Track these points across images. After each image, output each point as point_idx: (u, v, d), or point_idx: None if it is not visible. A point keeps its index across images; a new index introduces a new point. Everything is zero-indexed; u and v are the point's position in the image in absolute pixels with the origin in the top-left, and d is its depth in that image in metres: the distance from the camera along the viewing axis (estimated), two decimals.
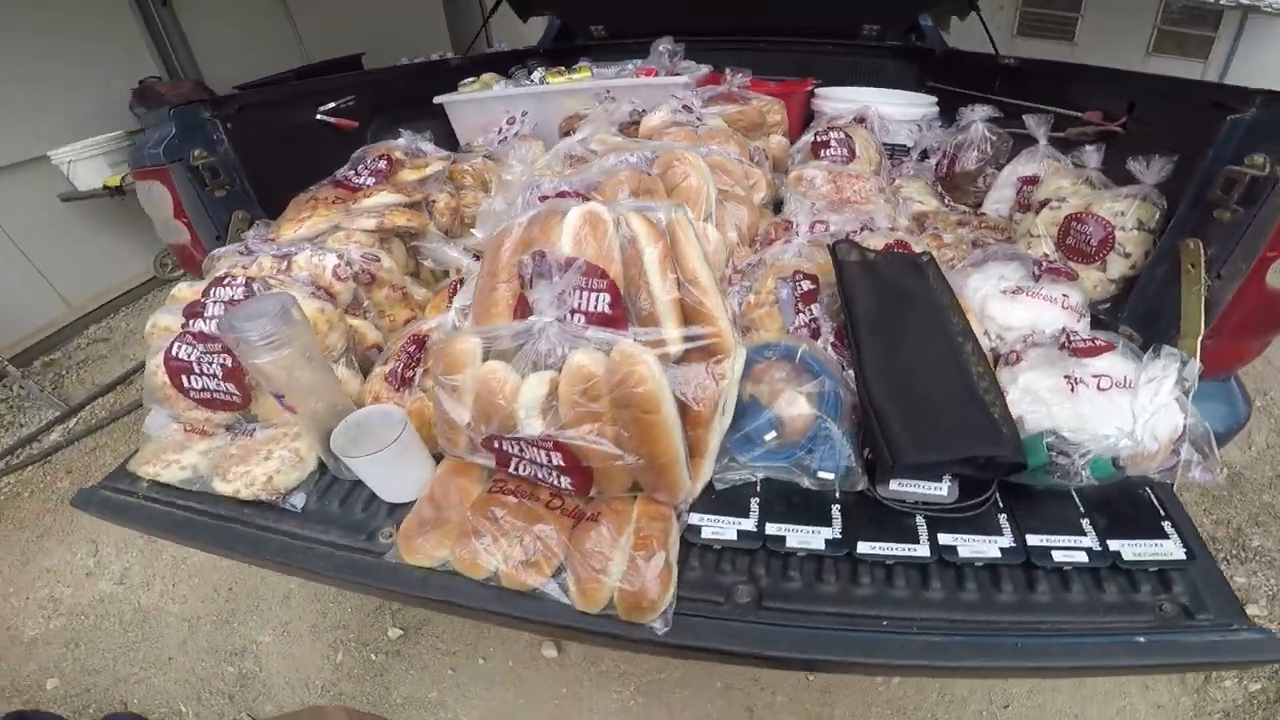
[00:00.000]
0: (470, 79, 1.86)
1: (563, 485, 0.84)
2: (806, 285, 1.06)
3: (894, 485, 0.86)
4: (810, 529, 0.83)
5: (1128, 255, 1.06)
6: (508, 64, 2.07)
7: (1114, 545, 0.79)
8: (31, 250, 3.04)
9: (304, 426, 0.97)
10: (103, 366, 2.93)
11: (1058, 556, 0.78)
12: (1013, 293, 1.03)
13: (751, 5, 2.26)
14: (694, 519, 0.86)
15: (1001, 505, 0.85)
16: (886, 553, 0.80)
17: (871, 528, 0.83)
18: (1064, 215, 1.12)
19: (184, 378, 1.03)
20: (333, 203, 1.28)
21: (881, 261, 1.05)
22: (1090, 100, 1.35)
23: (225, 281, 1.07)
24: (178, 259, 1.39)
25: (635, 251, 0.83)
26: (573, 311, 0.82)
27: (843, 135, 1.46)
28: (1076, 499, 0.85)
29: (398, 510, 0.96)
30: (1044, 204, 1.21)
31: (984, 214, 1.37)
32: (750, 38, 2.30)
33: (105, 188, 2.97)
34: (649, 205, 0.87)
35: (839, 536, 0.82)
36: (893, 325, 0.95)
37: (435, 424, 0.94)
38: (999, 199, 1.40)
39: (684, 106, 1.45)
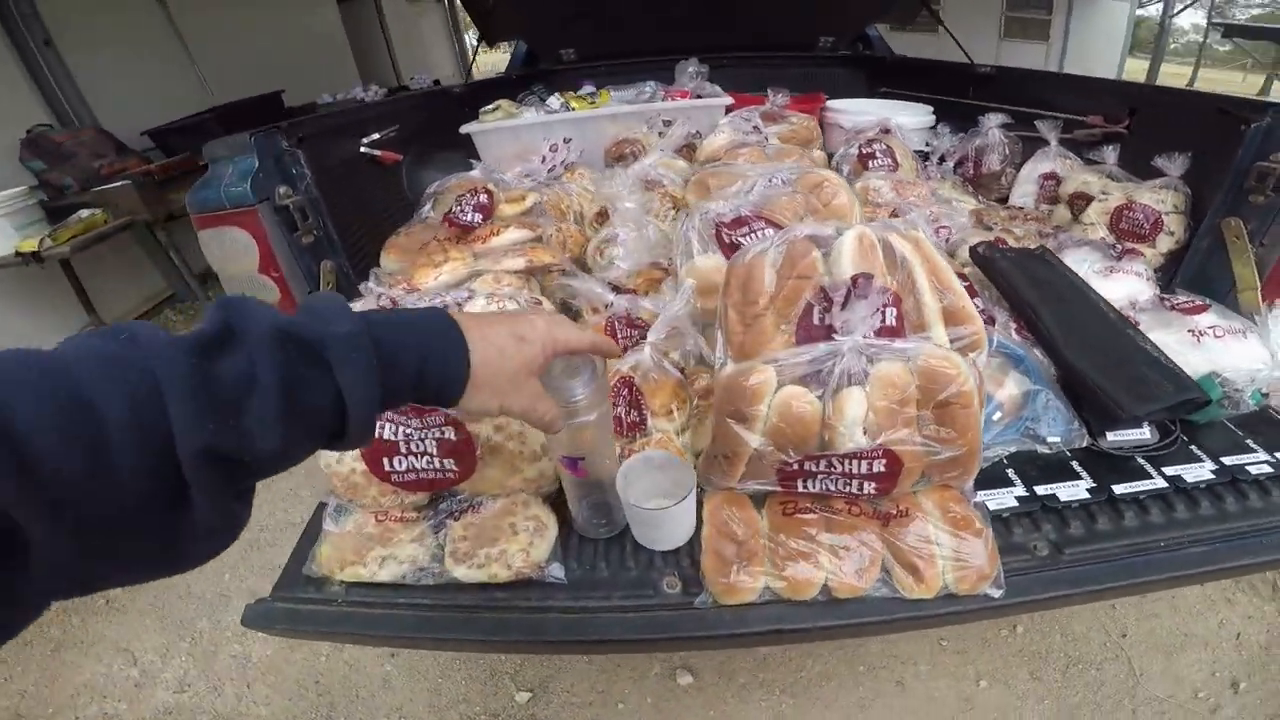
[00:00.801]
0: (489, 107, 1.77)
1: (864, 491, 0.89)
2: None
3: (1111, 436, 1.01)
4: (1069, 484, 0.96)
5: (1172, 233, 1.32)
6: (506, 91, 2.01)
7: None
8: None
9: (575, 490, 0.91)
10: None
11: (1253, 470, 0.96)
12: (1108, 272, 1.25)
13: (716, 23, 2.38)
14: (978, 496, 0.94)
15: (1186, 439, 1.03)
16: (1135, 489, 0.94)
17: (1111, 474, 0.97)
18: (1113, 206, 1.37)
19: (387, 461, 0.91)
20: (457, 243, 1.20)
21: (1014, 255, 1.21)
22: (1075, 105, 1.64)
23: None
24: None
25: (904, 267, 0.90)
26: None
27: (885, 146, 1.62)
28: (1231, 426, 1.05)
29: (668, 559, 0.94)
30: (1078, 196, 1.46)
31: (1022, 208, 1.61)
32: (714, 54, 2.40)
33: (17, 254, 2.46)
34: (892, 224, 0.94)
35: (1095, 485, 0.95)
36: (1056, 304, 1.11)
37: (708, 460, 0.94)
38: (1023, 194, 1.65)
39: (753, 127, 1.53)
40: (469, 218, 1.27)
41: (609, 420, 0.86)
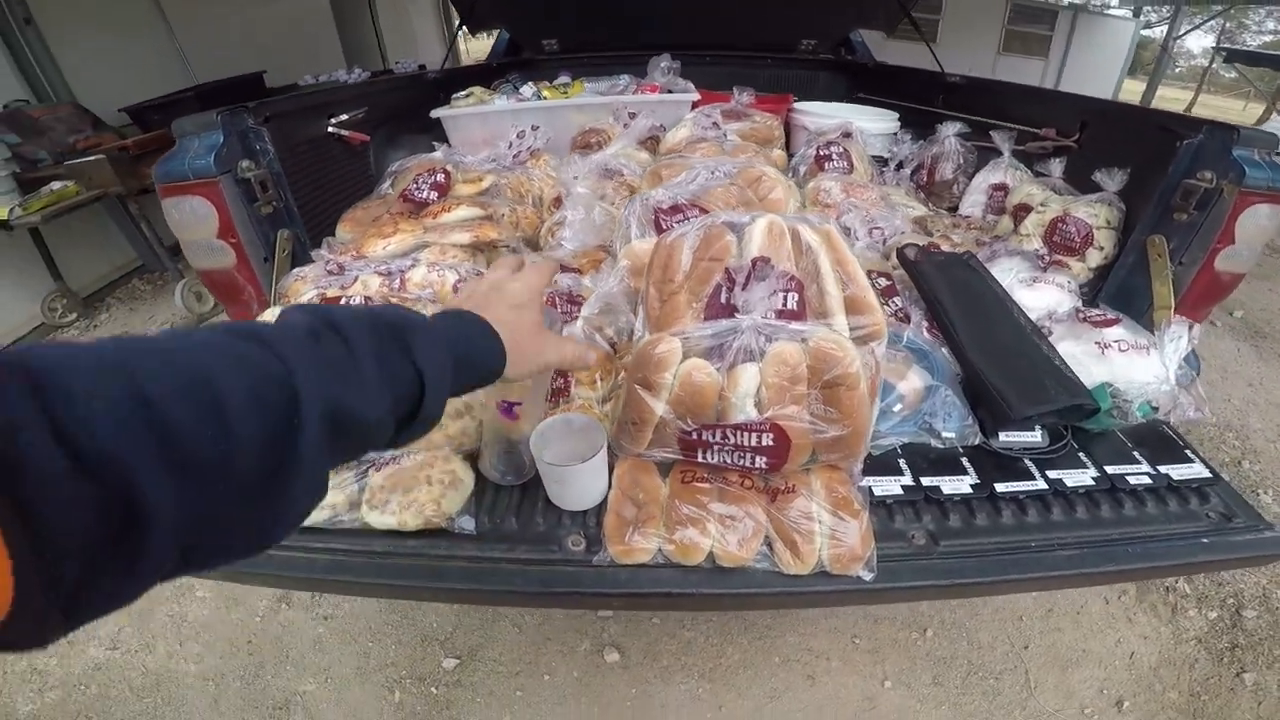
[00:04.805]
0: (462, 93, 1.84)
1: (756, 465, 0.94)
2: (883, 282, 1.25)
3: (1003, 436, 1.06)
4: (955, 478, 1.01)
5: (1101, 248, 1.37)
6: (483, 78, 2.07)
7: (1163, 469, 1.02)
8: None
9: (491, 436, 0.96)
10: None
11: (1132, 481, 1.00)
12: (1031, 282, 1.30)
13: (699, 20, 2.43)
14: (864, 480, 1.00)
15: (1076, 445, 1.08)
16: (1016, 489, 0.99)
17: (997, 472, 1.02)
18: (1050, 218, 1.42)
19: None
20: (409, 217, 1.25)
21: (940, 260, 1.27)
22: (1037, 117, 1.68)
23: (342, 304, 1.02)
24: (211, 285, 1.26)
25: (809, 256, 0.95)
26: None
27: (842, 149, 1.68)
28: (1122, 437, 1.09)
29: (575, 518, 0.99)
30: (1020, 208, 1.52)
31: (968, 216, 1.67)
32: (696, 51, 2.44)
33: None
34: (806, 217, 1.00)
35: (979, 481, 1.00)
36: (970, 308, 1.17)
37: (620, 425, 0.99)
38: (973, 203, 1.70)
39: (713, 123, 1.59)
40: (424, 195, 1.33)
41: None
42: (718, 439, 0.93)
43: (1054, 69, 8.47)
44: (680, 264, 0.97)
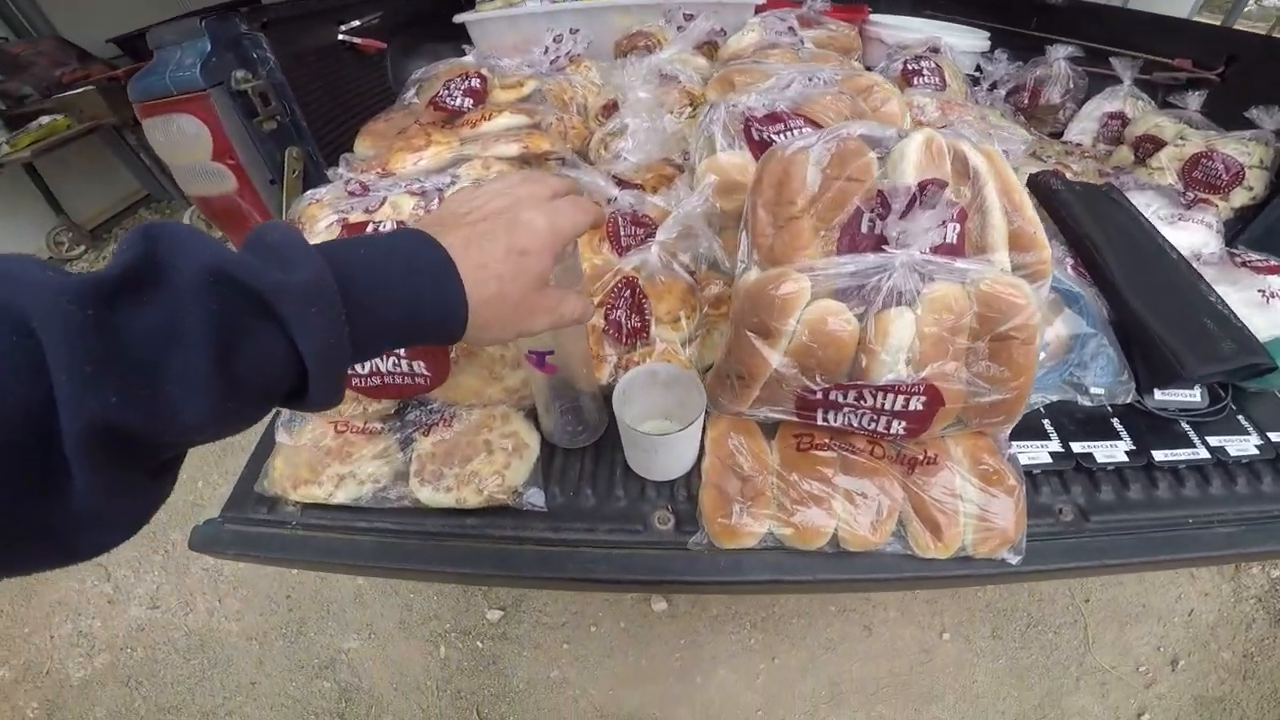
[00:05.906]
0: None
1: (892, 431, 0.77)
2: None
3: (1159, 395, 0.91)
4: (1108, 443, 0.86)
5: (1250, 189, 1.20)
6: None
7: None
8: None
9: (545, 393, 0.79)
10: None
11: None
12: (1174, 219, 1.12)
13: None
14: (1010, 448, 0.84)
15: (1234, 407, 0.93)
16: (1176, 458, 0.85)
17: (1152, 436, 0.88)
18: (1190, 153, 1.24)
19: None
20: (443, 128, 1.03)
21: (1080, 190, 1.08)
22: (1161, 48, 1.50)
23: (368, 230, 0.82)
24: (211, 214, 1.05)
25: (976, 181, 0.76)
26: None
27: (933, 64, 1.45)
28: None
29: (661, 490, 0.83)
30: (1146, 139, 1.32)
31: (1079, 144, 1.47)
32: None
33: None
34: (963, 134, 0.80)
35: (1134, 448, 0.86)
36: (1123, 245, 0.99)
37: (718, 377, 0.82)
38: (1081, 130, 1.51)
39: (788, 28, 1.35)
40: (457, 102, 1.11)
41: None
42: (850, 400, 0.75)
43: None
44: (804, 182, 0.77)
